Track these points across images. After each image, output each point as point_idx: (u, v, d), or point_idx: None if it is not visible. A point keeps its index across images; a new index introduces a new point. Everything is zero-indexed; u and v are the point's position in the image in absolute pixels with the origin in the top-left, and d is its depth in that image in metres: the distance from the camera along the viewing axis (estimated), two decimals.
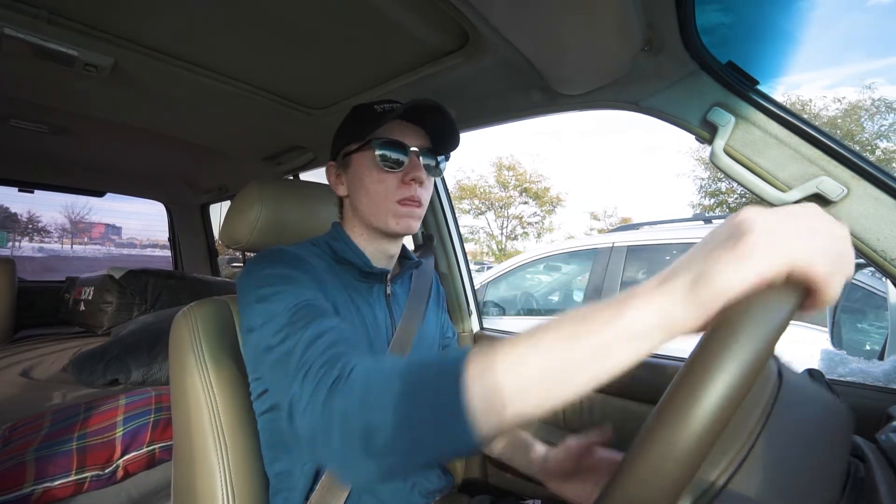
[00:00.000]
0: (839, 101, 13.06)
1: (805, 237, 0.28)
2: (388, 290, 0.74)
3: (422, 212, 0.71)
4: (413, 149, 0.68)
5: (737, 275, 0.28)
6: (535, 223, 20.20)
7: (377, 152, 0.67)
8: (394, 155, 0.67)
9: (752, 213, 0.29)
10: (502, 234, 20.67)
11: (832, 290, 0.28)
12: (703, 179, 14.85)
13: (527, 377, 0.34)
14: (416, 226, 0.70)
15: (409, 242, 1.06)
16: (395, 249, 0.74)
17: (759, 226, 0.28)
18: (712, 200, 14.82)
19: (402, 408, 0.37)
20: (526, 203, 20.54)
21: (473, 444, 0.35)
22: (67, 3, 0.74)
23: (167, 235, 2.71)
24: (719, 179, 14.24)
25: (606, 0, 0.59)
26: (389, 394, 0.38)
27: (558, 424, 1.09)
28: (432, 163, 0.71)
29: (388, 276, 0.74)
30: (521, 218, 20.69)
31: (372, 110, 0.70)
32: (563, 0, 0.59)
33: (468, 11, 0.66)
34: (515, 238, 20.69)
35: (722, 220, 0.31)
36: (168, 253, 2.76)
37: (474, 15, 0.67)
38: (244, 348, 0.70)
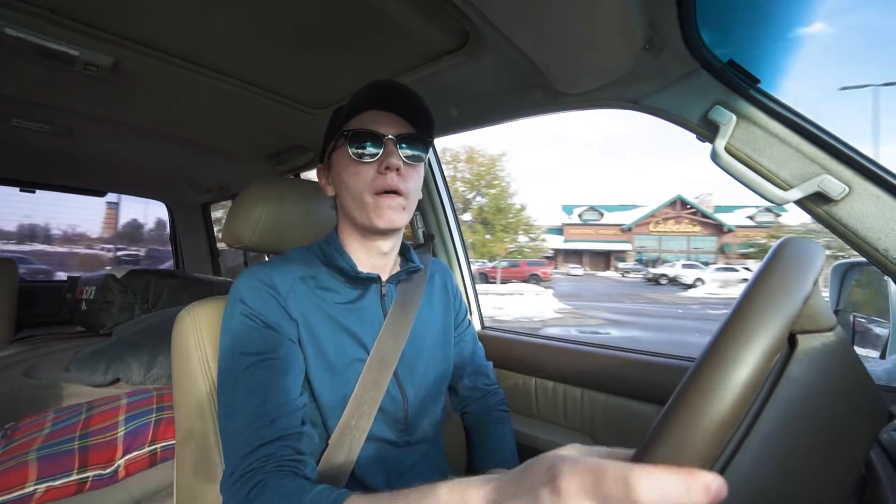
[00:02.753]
0: None
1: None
2: (384, 291, 0.72)
3: (405, 202, 0.66)
4: (389, 136, 0.64)
5: None
6: None
7: (349, 143, 0.64)
8: (366, 144, 0.64)
9: (558, 460, 0.29)
10: None
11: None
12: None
13: None
14: (400, 219, 0.66)
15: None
16: (386, 247, 0.71)
17: (566, 472, 0.27)
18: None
19: None
20: None
21: None
22: (68, 3, 0.74)
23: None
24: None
25: None
26: None
27: (559, 423, 1.09)
28: (416, 151, 0.67)
29: (383, 278, 0.72)
30: None
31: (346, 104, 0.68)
32: None
33: (469, 10, 0.66)
34: None
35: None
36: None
37: (475, 14, 0.67)
38: None
